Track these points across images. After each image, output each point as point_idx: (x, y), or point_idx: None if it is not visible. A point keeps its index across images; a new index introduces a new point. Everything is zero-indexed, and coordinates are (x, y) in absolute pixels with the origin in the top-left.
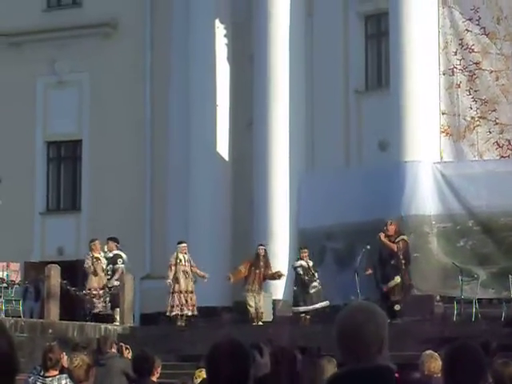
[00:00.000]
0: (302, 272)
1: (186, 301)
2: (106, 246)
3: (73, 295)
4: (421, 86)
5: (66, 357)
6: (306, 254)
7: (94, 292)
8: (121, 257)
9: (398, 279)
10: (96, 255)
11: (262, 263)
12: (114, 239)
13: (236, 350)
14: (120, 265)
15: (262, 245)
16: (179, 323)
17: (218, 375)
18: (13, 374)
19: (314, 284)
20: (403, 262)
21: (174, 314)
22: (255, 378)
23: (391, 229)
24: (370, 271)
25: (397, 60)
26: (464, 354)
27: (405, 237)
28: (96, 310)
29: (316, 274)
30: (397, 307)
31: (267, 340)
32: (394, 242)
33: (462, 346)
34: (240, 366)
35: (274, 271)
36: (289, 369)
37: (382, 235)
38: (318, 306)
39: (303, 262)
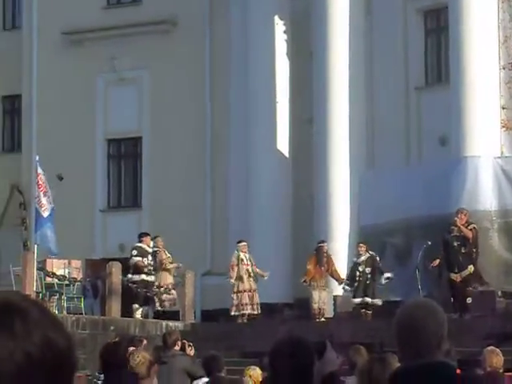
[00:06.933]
0: (352, 266)
1: (250, 300)
2: (152, 242)
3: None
4: (481, 80)
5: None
6: (362, 249)
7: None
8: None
9: (471, 269)
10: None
11: (325, 259)
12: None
13: (298, 346)
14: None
15: (323, 241)
16: (240, 321)
17: (280, 372)
18: (71, 371)
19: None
20: (474, 250)
21: (237, 313)
22: (323, 375)
23: (463, 217)
24: (437, 262)
25: (456, 55)
26: None
27: (475, 225)
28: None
29: (385, 274)
30: (469, 300)
31: (329, 336)
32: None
33: None
34: (302, 363)
35: (340, 276)
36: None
37: (462, 220)
38: (375, 300)
39: (362, 258)
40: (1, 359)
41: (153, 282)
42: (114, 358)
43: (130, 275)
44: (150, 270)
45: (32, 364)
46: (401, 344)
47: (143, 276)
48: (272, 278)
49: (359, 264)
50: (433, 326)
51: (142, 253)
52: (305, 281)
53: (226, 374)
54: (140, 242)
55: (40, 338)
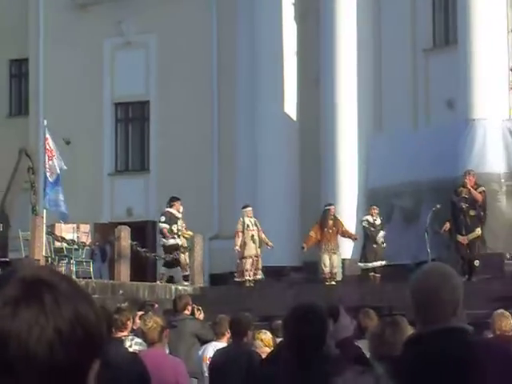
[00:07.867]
0: (366, 225)
1: (254, 265)
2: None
3: (142, 256)
4: (489, 42)
5: (137, 318)
6: (375, 211)
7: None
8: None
9: (479, 231)
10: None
11: (332, 222)
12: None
13: (312, 312)
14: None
15: (331, 204)
16: (248, 285)
17: (294, 338)
18: (100, 345)
19: (378, 238)
20: (482, 213)
21: (244, 279)
22: (337, 341)
23: (471, 179)
24: (447, 225)
25: (464, 17)
26: None
27: (484, 188)
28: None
29: (381, 232)
30: (476, 263)
31: (338, 299)
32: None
33: None
34: (316, 329)
35: (351, 232)
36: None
37: (470, 182)
38: (377, 264)
39: (369, 218)
40: (32, 336)
41: (181, 246)
42: None
43: (163, 240)
44: (179, 235)
45: (63, 340)
46: (416, 310)
47: (178, 240)
48: (280, 241)
49: (374, 224)
50: (448, 292)
51: (171, 218)
52: (303, 247)
53: (249, 338)
54: (170, 206)
55: (70, 312)
